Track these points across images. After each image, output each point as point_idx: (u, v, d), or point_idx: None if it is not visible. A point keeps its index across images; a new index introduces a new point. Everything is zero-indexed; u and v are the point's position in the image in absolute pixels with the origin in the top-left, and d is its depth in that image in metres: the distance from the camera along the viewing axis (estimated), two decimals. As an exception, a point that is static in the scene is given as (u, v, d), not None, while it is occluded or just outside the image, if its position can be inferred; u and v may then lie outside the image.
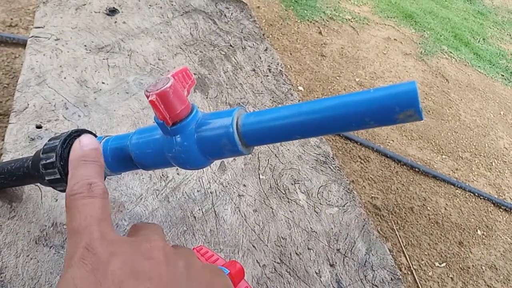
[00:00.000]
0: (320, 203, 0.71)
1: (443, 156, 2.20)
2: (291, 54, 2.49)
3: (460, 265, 1.68)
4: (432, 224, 1.80)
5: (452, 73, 2.94)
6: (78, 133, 0.49)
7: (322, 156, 0.80)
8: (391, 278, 0.63)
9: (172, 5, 1.09)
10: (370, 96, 0.34)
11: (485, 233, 1.87)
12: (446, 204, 1.93)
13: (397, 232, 1.69)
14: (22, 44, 1.77)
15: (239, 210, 0.66)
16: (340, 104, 0.35)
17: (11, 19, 1.89)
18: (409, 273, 1.57)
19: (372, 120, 0.34)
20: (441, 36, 3.36)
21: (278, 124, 0.38)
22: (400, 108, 0.32)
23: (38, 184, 0.59)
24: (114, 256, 0.29)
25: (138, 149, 0.44)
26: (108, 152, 0.45)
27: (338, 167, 0.79)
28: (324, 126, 0.36)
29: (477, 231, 1.87)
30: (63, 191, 0.48)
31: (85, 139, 0.41)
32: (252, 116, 0.40)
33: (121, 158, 0.45)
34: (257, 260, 0.60)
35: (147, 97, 0.37)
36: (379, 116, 0.34)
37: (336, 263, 0.63)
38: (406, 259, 1.61)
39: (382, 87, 0.34)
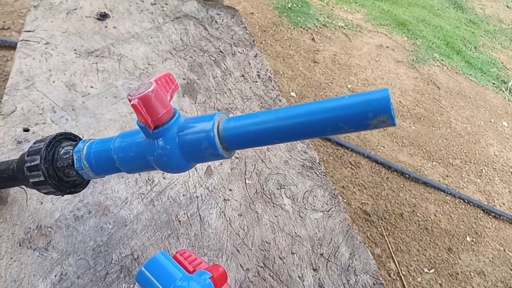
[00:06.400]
0: (305, 208, 0.72)
1: (434, 163, 2.21)
2: (284, 60, 2.50)
3: (449, 271, 1.69)
4: (422, 230, 1.81)
5: (443, 80, 2.97)
6: (63, 136, 0.50)
7: (309, 162, 0.81)
8: (374, 283, 0.64)
9: (163, 10, 1.09)
10: (345, 103, 0.35)
11: (474, 239, 1.89)
12: (436, 210, 1.94)
13: (386, 238, 1.70)
14: (14, 47, 1.77)
15: (224, 215, 0.66)
16: (316, 110, 0.36)
17: (4, 22, 1.89)
18: (398, 278, 1.57)
19: (346, 125, 0.35)
20: (433, 44, 3.39)
21: (257, 129, 0.39)
22: (373, 114, 0.33)
23: (24, 186, 0.59)
24: None
25: (120, 152, 0.44)
26: (91, 155, 0.46)
27: (324, 172, 0.80)
28: (300, 131, 0.37)
29: (466, 237, 1.88)
30: (48, 193, 0.49)
31: None
32: (232, 121, 0.41)
33: (104, 161, 0.46)
34: (240, 264, 0.61)
35: (130, 101, 0.38)
36: (354, 122, 0.35)
37: (319, 267, 0.64)
38: (395, 264, 1.62)
39: (356, 94, 0.35)
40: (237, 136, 0.40)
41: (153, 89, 0.39)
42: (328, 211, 0.73)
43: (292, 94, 2.25)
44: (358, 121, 0.34)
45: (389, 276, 1.57)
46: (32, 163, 0.46)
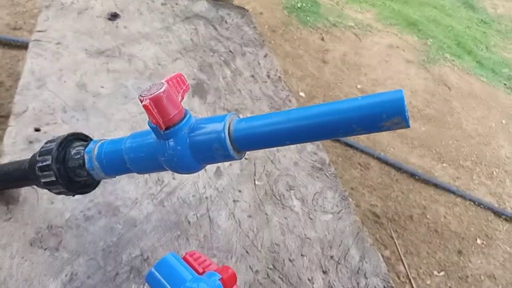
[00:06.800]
0: (315, 210, 0.71)
1: (444, 164, 2.19)
2: (293, 60, 2.50)
3: (459, 274, 1.68)
4: (431, 233, 1.80)
5: (454, 81, 2.94)
6: (74, 136, 0.50)
7: (319, 163, 0.81)
8: (384, 286, 0.63)
9: (173, 10, 1.10)
10: (358, 104, 0.35)
11: (484, 242, 1.87)
12: (446, 212, 1.93)
13: (396, 240, 1.68)
14: (26, 47, 1.78)
15: (234, 216, 0.66)
16: (328, 111, 0.36)
17: (16, 22, 1.91)
18: (407, 281, 1.56)
19: (359, 127, 0.35)
20: (444, 44, 3.36)
21: (268, 130, 0.39)
22: (387, 116, 0.33)
23: (35, 186, 0.59)
24: None
25: (131, 152, 0.44)
26: (102, 155, 0.46)
27: (334, 174, 0.80)
28: (312, 133, 0.37)
29: (476, 240, 1.86)
30: (59, 193, 0.49)
31: None
32: (243, 122, 0.40)
33: (115, 162, 0.46)
34: (250, 266, 0.60)
35: (141, 101, 0.38)
36: (366, 124, 0.34)
37: (329, 270, 0.63)
38: (405, 267, 1.60)
39: (369, 95, 0.34)
40: (248, 137, 0.40)
41: (164, 90, 0.38)
42: (338, 213, 0.72)
43: (301, 94, 2.25)
44: (371, 122, 0.34)
45: (398, 278, 1.56)
46: (44, 163, 0.46)
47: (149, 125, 0.41)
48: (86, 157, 0.46)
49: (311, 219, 0.70)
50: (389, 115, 0.33)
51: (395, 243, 1.68)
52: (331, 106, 0.36)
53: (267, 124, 0.39)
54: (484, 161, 2.34)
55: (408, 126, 0.33)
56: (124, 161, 0.45)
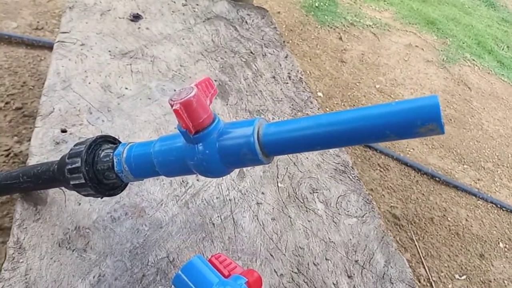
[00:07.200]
0: (339, 213, 0.71)
1: (465, 166, 2.16)
2: (310, 59, 2.48)
3: (481, 278, 1.64)
4: (453, 236, 1.77)
5: (474, 81, 2.89)
6: (103, 139, 0.50)
7: (341, 165, 0.80)
8: (410, 291, 0.62)
9: (194, 11, 1.10)
10: (392, 109, 0.34)
11: (507, 245, 1.83)
12: (467, 215, 1.89)
13: (416, 243, 1.66)
14: (48, 47, 1.81)
15: (257, 218, 0.66)
16: (361, 116, 0.35)
17: (38, 22, 1.93)
18: (428, 285, 1.54)
19: (393, 133, 0.34)
20: (464, 43, 3.30)
21: (298, 135, 0.38)
22: (422, 122, 0.32)
23: (62, 187, 0.60)
24: None
25: (160, 156, 0.45)
26: (131, 158, 0.46)
27: (358, 176, 0.79)
28: (344, 138, 0.36)
29: (499, 243, 1.82)
30: (87, 195, 0.49)
31: None
32: (272, 127, 0.40)
33: (144, 165, 0.46)
34: (274, 269, 0.60)
35: (171, 106, 0.38)
36: (401, 130, 0.34)
37: (354, 274, 0.62)
38: (425, 270, 1.58)
39: (403, 101, 0.34)
40: (277, 142, 0.39)
41: (194, 94, 0.38)
42: (362, 216, 0.71)
43: (319, 94, 2.23)
44: (405, 128, 0.33)
45: (419, 282, 1.54)
46: (73, 166, 0.47)
47: (178, 129, 0.41)
48: (115, 159, 0.47)
49: (335, 222, 0.69)
50: (424, 121, 0.32)
51: (415, 245, 1.65)
52: (363, 112, 0.35)
53: (296, 129, 0.38)
54: (506, 162, 2.29)
55: (443, 133, 0.32)
56: (153, 164, 0.45)
